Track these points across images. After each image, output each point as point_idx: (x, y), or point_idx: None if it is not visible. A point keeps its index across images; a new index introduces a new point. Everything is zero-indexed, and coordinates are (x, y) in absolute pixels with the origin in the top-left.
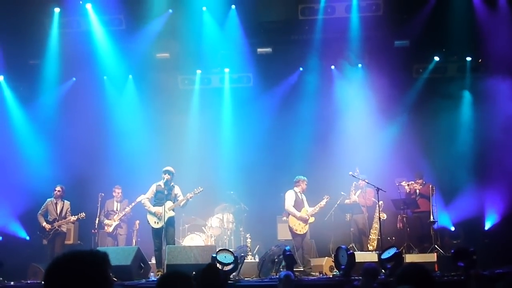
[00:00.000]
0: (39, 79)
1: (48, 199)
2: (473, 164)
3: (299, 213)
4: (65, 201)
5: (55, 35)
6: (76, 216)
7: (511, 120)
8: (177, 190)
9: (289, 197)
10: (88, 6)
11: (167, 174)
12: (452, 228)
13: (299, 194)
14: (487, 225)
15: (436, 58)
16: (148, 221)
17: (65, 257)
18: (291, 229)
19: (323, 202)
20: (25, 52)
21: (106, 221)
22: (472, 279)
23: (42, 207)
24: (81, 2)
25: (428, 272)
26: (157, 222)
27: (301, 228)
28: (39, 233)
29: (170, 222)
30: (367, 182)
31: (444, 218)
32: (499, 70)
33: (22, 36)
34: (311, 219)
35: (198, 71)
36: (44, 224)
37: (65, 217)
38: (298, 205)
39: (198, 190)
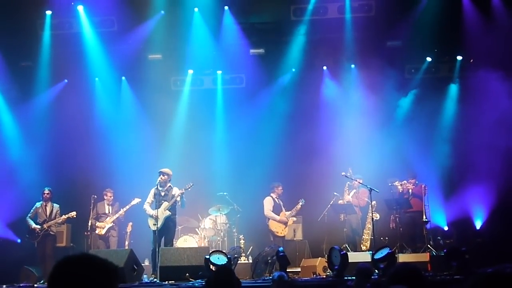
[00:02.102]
0: (31, 81)
1: (38, 203)
2: (464, 163)
3: (278, 216)
4: (55, 204)
5: (46, 37)
6: (66, 215)
7: (501, 118)
8: (175, 191)
9: (268, 203)
10: (80, 8)
11: (161, 176)
12: (446, 228)
13: (276, 199)
14: (478, 224)
15: (428, 59)
16: (149, 226)
17: (78, 259)
18: (272, 232)
19: (298, 206)
20: (16, 54)
21: (98, 224)
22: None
23: (31, 210)
24: (72, 3)
25: (420, 272)
26: (155, 224)
27: (281, 230)
28: (27, 235)
29: (168, 222)
30: (360, 183)
31: (437, 218)
32: (490, 70)
33: (13, 38)
34: (290, 221)
35: (190, 71)
36: (34, 225)
37: (55, 219)
38: (276, 209)
39: (188, 186)
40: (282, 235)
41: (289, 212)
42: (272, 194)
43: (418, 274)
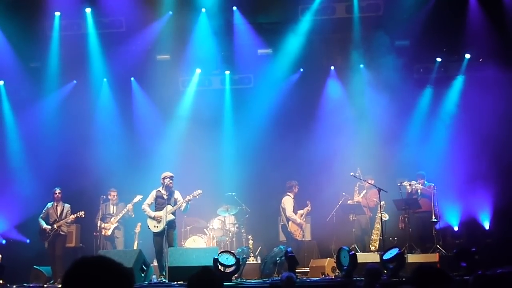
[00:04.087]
0: (40, 82)
1: (49, 203)
2: (475, 162)
3: (298, 219)
4: (65, 204)
5: (55, 38)
6: (75, 215)
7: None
8: (177, 194)
9: (289, 204)
10: (88, 10)
11: (166, 179)
12: (456, 228)
13: (293, 199)
14: (488, 224)
15: (438, 59)
16: (148, 226)
17: (94, 261)
18: (291, 234)
19: (309, 207)
20: (26, 55)
21: (104, 224)
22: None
23: (43, 211)
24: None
25: (446, 274)
26: (157, 226)
27: (298, 234)
28: (39, 235)
29: (171, 225)
30: (369, 183)
31: (449, 218)
32: (499, 68)
33: (22, 39)
34: (304, 224)
35: (198, 70)
36: (45, 226)
37: (65, 218)
38: (294, 210)
39: (196, 193)
40: (299, 238)
41: (301, 211)
42: (289, 193)
43: (444, 275)
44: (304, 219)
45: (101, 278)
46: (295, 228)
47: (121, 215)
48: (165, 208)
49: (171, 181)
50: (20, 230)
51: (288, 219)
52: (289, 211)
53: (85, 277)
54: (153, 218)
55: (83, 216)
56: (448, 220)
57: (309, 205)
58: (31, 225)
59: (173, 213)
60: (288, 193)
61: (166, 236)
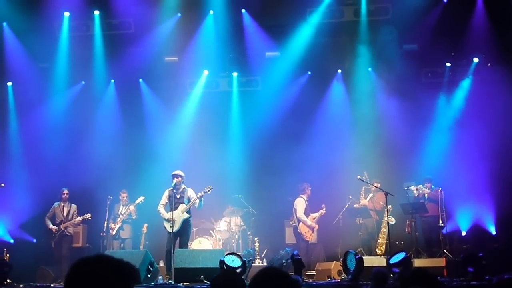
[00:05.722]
0: (49, 83)
1: (56, 203)
2: (481, 167)
3: (309, 221)
4: (72, 204)
5: (64, 39)
6: (81, 217)
7: None
8: (190, 192)
9: (301, 206)
10: (96, 12)
11: (175, 178)
12: (463, 233)
13: (306, 201)
14: (495, 230)
15: (448, 64)
16: (164, 227)
17: (95, 260)
18: (301, 235)
19: (323, 211)
20: (35, 55)
21: (111, 225)
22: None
23: (50, 210)
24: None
25: (436, 278)
26: (172, 227)
27: (309, 235)
28: (45, 235)
29: (185, 225)
30: (376, 187)
31: (455, 223)
32: (508, 71)
33: (32, 40)
34: (316, 226)
35: (206, 72)
36: (51, 226)
37: (71, 219)
38: (306, 212)
39: (208, 189)
40: (309, 240)
41: (315, 215)
42: (303, 195)
43: (433, 279)
44: (317, 226)
45: (102, 274)
46: (306, 230)
47: (125, 215)
48: (178, 208)
49: (176, 179)
50: (26, 230)
51: (299, 220)
52: (300, 213)
53: (86, 274)
54: (167, 220)
55: (90, 218)
56: (455, 225)
57: (324, 209)
58: (38, 224)
59: (188, 212)
60: (301, 195)
61: (180, 237)
